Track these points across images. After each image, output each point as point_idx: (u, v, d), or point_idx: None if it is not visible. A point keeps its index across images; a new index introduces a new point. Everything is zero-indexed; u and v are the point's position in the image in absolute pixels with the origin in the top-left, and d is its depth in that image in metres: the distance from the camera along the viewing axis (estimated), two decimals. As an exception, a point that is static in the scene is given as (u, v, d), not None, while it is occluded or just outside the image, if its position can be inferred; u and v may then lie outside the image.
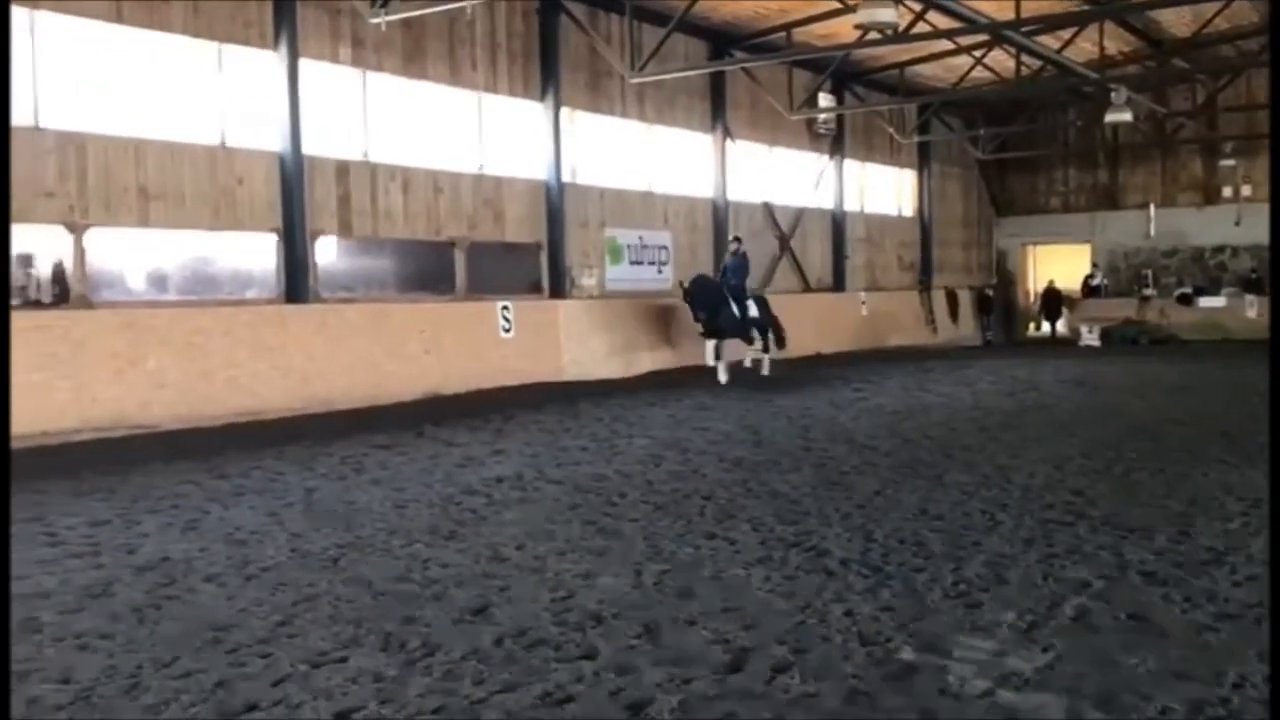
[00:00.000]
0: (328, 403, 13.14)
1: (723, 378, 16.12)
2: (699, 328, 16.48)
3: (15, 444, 10.30)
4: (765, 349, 17.60)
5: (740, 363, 17.33)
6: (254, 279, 14.18)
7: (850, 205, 26.87)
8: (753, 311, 17.19)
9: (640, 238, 20.15)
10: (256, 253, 14.21)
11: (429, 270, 16.53)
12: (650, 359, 18.04)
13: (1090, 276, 30.38)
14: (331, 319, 14.07)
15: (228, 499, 8.10)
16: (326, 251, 15.25)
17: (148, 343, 11.91)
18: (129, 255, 12.98)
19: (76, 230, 12.28)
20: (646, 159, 20.61)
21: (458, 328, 15.52)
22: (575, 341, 16.91)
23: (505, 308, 16.15)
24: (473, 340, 15.63)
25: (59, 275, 12.21)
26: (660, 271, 20.01)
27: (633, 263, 19.91)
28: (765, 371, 17.42)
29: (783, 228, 24.43)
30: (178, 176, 13.21)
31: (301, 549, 6.50)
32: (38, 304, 11.96)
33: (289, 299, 14.27)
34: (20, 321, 11.24)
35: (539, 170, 18.15)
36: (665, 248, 20.62)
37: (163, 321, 12.25)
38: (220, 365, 12.44)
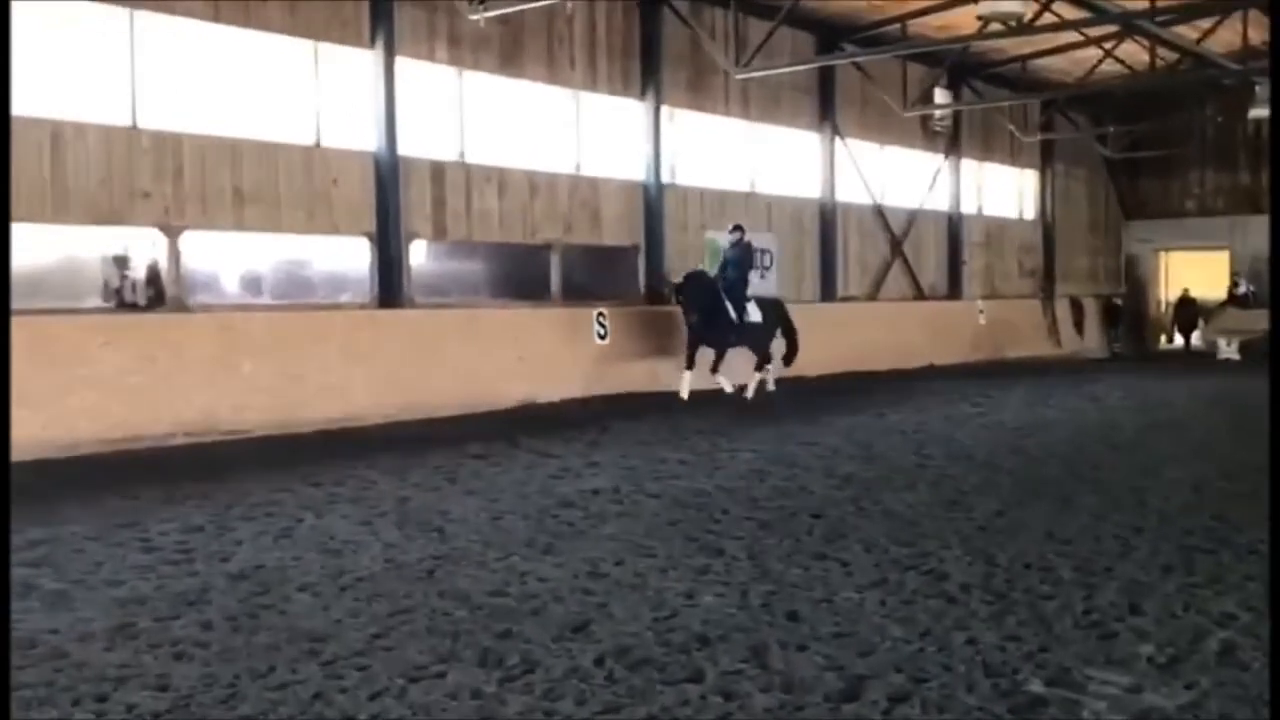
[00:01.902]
0: (420, 410, 13.36)
1: (685, 389, 14.84)
2: (690, 334, 15.20)
3: (110, 447, 10.74)
4: (760, 363, 15.99)
5: (743, 387, 15.72)
6: (348, 283, 14.50)
7: (967, 208, 26.44)
8: (753, 316, 15.59)
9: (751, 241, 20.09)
10: (350, 256, 14.53)
11: (523, 274, 16.72)
12: (752, 368, 17.96)
13: (1234, 284, 29.31)
14: (425, 324, 14.32)
15: (321, 507, 8.28)
16: (420, 255, 15.53)
17: (242, 347, 12.25)
18: (224, 258, 13.38)
19: (172, 233, 12.71)
20: (750, 159, 20.56)
21: (552, 334, 15.66)
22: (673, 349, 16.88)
23: (601, 314, 16.23)
24: (569, 347, 15.75)
25: (154, 278, 12.63)
26: (764, 276, 19.91)
27: (754, 264, 19.86)
28: (749, 395, 15.59)
29: (895, 231, 24.14)
30: (272, 178, 13.58)
31: (396, 559, 6.62)
32: (133, 306, 12.39)
33: (382, 304, 14.55)
34: (116, 324, 11.68)
35: (637, 170, 18.22)
36: (769, 251, 20.51)
37: (257, 326, 12.60)
38: (313, 370, 12.73)
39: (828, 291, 22.17)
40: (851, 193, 22.83)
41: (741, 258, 15.87)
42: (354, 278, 14.61)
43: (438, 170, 15.51)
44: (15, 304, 10.19)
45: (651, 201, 18.28)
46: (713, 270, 16.39)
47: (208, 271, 13.17)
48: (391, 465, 10.25)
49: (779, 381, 16.37)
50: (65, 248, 11.99)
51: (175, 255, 12.75)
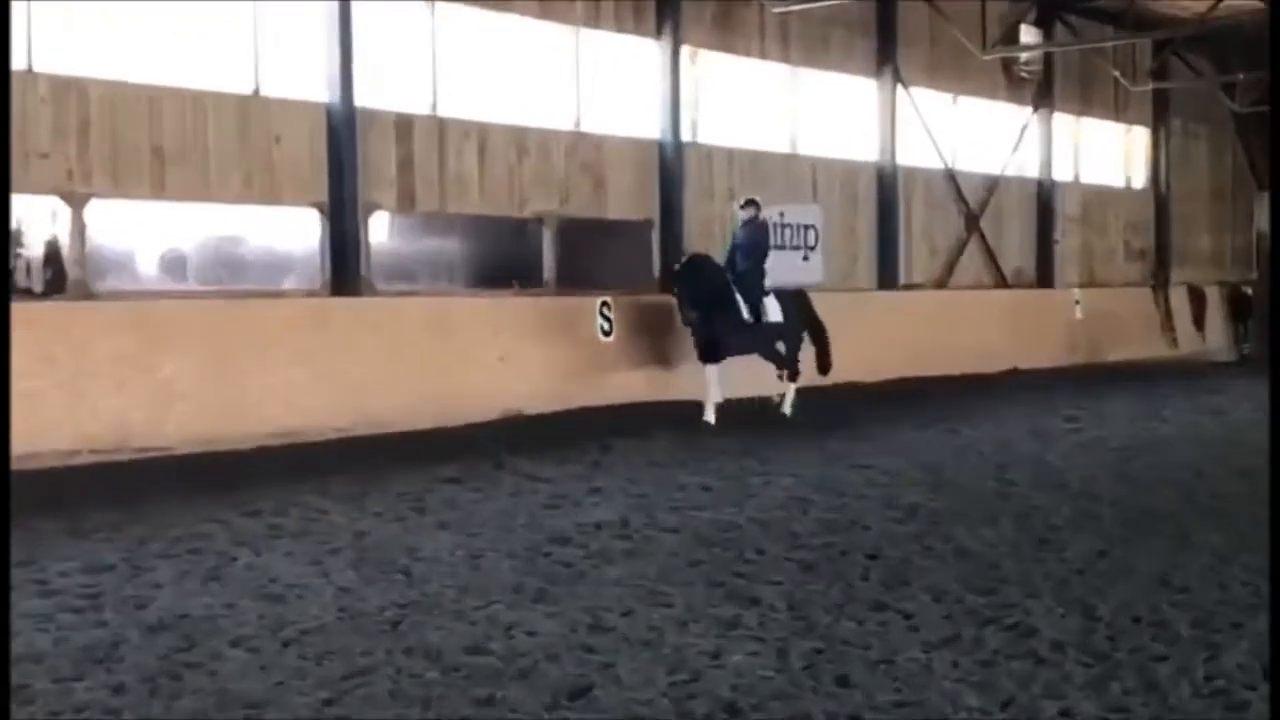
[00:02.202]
0: (382, 423, 13.36)
1: (710, 415, 14.44)
2: (693, 336, 14.86)
3: (-1, 467, 10.78)
4: (791, 374, 15.56)
5: (769, 399, 15.57)
6: (293, 264, 14.57)
7: (1061, 173, 26.45)
8: (771, 314, 15.25)
9: (781, 214, 20.02)
10: (296, 231, 14.60)
11: (509, 255, 16.77)
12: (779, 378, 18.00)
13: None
14: (388, 317, 14.34)
15: (260, 542, 8.29)
16: (382, 231, 15.58)
17: (162, 343, 12.25)
18: (140, 233, 13.45)
19: (75, 201, 12.78)
20: (791, 112, 20.59)
21: (545, 330, 15.66)
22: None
23: (605, 304, 16.24)
24: (564, 346, 15.76)
25: (53, 257, 12.72)
26: (806, 258, 19.92)
27: (771, 246, 19.85)
28: (788, 410, 15.35)
29: (970, 202, 24.15)
30: (200, 134, 13.66)
31: (352, 608, 6.63)
32: (28, 293, 12.47)
33: (335, 290, 14.64)
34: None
35: (651, 126, 18.26)
36: (813, 227, 20.50)
37: (181, 317, 12.59)
38: (251, 373, 12.75)
39: (887, 277, 22.21)
40: (917, 154, 22.86)
41: (755, 240, 15.36)
42: (300, 258, 14.67)
43: (404, 125, 15.57)
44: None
45: (668, 165, 18.31)
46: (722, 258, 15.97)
47: (120, 249, 13.25)
48: (346, 490, 10.24)
49: (801, 392, 15.97)
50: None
51: (80, 229, 12.82)
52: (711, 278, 14.77)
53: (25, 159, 12.40)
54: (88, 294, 12.75)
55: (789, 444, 12.99)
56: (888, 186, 22.07)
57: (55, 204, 12.68)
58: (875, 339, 18.51)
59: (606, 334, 16.15)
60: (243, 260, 14.27)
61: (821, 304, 16.93)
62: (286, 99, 14.45)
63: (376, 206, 15.30)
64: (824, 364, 15.97)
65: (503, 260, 16.76)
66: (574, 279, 17.14)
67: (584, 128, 17.53)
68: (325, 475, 10.89)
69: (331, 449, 12.35)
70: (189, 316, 12.66)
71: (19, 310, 11.81)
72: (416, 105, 15.77)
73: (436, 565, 7.61)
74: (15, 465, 10.58)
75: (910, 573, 7.34)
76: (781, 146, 20.43)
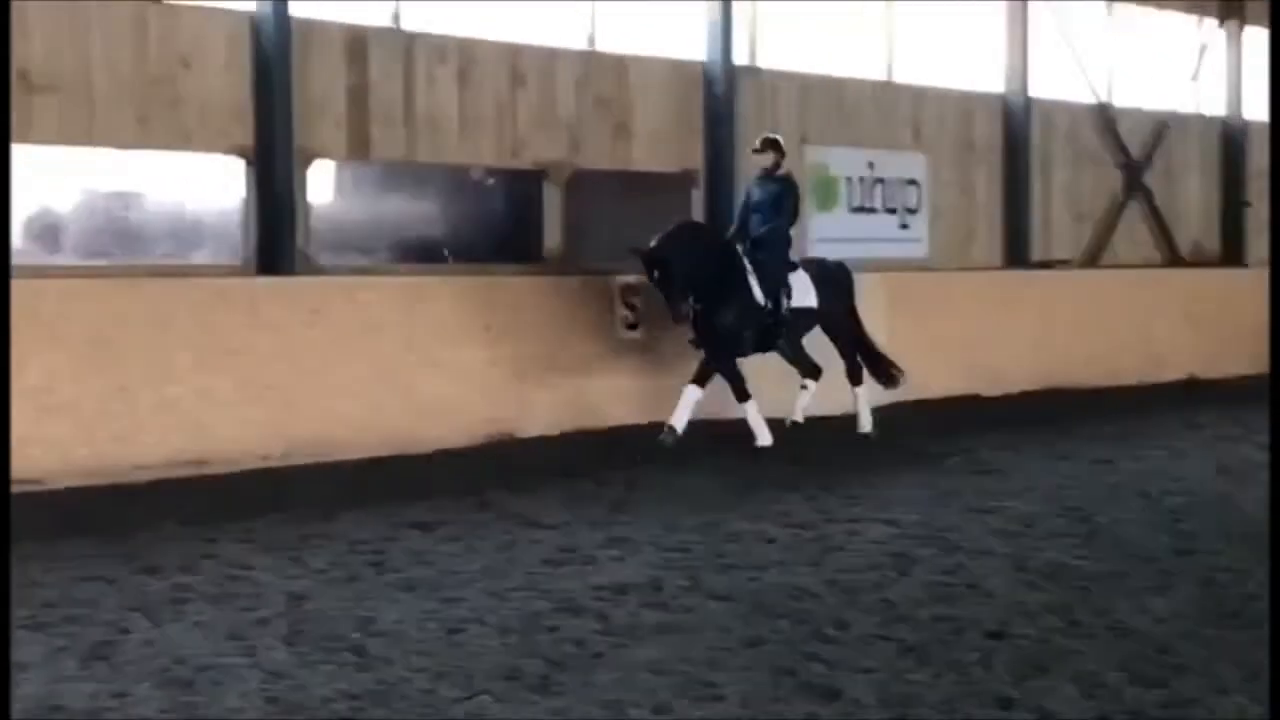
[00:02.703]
0: (323, 446, 13.38)
1: (763, 438, 14.37)
2: (690, 331, 14.49)
3: None
4: (812, 373, 15.33)
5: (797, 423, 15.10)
6: (205, 233, 14.59)
7: (1255, 111, 26.26)
8: (803, 297, 14.97)
9: (871, 164, 20.07)
10: (211, 188, 14.61)
11: (500, 220, 16.75)
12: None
13: None
14: (333, 303, 14.32)
15: (160, 609, 8.30)
16: (326, 187, 15.61)
17: (29, 338, 12.29)
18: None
19: (-87, 145, 12.84)
20: (885, 25, 20.53)
21: (546, 320, 15.63)
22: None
23: (629, 287, 16.22)
24: (572, 344, 15.73)
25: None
26: (905, 225, 19.92)
27: (856, 208, 19.87)
28: (867, 428, 15.48)
29: (1131, 150, 24.03)
30: (81, 54, 13.69)
31: (286, 699, 6.64)
32: None
33: (263, 268, 14.66)
34: None
35: (693, 45, 18.22)
36: (915, 183, 20.49)
37: (53, 302, 12.63)
38: (148, 378, 12.78)
39: (1015, 252, 22.14)
40: (1057, 85, 22.74)
41: (777, 197, 14.94)
42: (216, 225, 14.69)
43: (356, 42, 15.60)
44: None
45: (716, 98, 18.27)
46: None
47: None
48: (278, 537, 10.28)
49: (894, 408, 15.93)
50: None
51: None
52: (712, 251, 14.55)
53: None
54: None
55: (882, 479, 12.99)
56: (1017, 128, 21.96)
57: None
58: (998, 337, 18.46)
59: (631, 327, 16.09)
60: (139, 228, 14.27)
61: (922, 288, 16.93)
62: (198, 5, 14.54)
63: (318, 154, 15.32)
64: (888, 373, 15.87)
65: (490, 227, 16.76)
66: (587, 253, 17.15)
67: (601, 46, 17.49)
68: (249, 518, 10.93)
69: (256, 482, 12.37)
70: (65, 302, 12.67)
71: None
72: (373, 15, 15.80)
73: (400, 642, 7.60)
74: None
75: (1049, 657, 7.29)
76: (872, 73, 20.34)
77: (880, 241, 19.26)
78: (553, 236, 17.17)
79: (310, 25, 15.16)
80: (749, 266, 14.60)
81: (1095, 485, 12.76)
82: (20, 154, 13.37)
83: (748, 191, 15.37)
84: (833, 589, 8.81)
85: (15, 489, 11.72)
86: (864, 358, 15.75)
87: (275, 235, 14.77)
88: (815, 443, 14.64)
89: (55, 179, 13.85)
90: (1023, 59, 22.03)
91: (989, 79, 21.94)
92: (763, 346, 14.84)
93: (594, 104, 17.38)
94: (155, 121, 14.18)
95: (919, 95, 20.82)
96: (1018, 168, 22.04)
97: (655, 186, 18.07)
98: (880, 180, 20.08)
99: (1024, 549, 10.01)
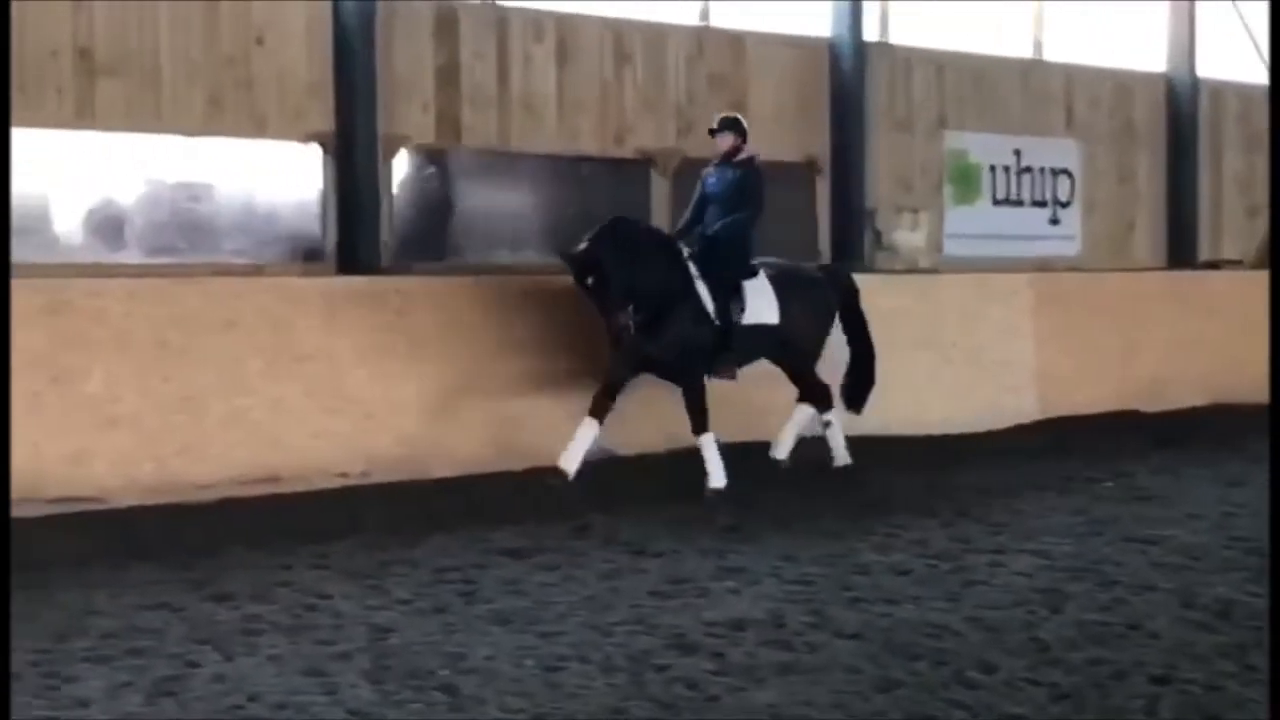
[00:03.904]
0: (411, 465, 13.42)
1: (716, 480, 13.46)
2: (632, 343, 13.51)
3: None
4: (818, 402, 14.68)
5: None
6: (280, 227, 14.69)
7: None
8: (759, 311, 14.00)
9: (1017, 152, 19.94)
10: (286, 178, 14.74)
11: (601, 214, 16.72)
12: (1037, 392, 17.83)
13: None
14: (418, 306, 14.38)
15: (231, 640, 8.37)
16: (411, 177, 15.70)
17: (90, 343, 12.43)
18: (58, 179, 13.75)
19: (-35, 131, 13.05)
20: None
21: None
22: (884, 357, 16.72)
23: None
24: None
25: (-72, 212, 12.98)
26: (1056, 220, 19.79)
27: (1000, 200, 19.76)
28: (840, 461, 14.60)
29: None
30: (148, 34, 13.85)
31: (369, 742, 6.69)
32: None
33: (342, 266, 14.74)
34: None
35: (817, 19, 18.18)
36: (1067, 172, 20.34)
37: (116, 302, 12.74)
38: (218, 387, 12.88)
39: (1181, 250, 21.93)
40: (1229, 64, 22.49)
41: (738, 189, 14.07)
42: (291, 220, 14.81)
43: (446, 18, 15.70)
44: None
45: (845, 77, 18.24)
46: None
47: (28, 203, 13.54)
48: (356, 564, 10.35)
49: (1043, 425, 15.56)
50: None
51: (-32, 172, 13.10)
52: (653, 252, 13.60)
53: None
54: (-19, 267, 12.98)
55: (1027, 505, 12.91)
56: (1182, 111, 21.76)
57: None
58: (1160, 346, 18.27)
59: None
60: (207, 222, 14.39)
61: (1074, 290, 16.76)
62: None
63: (403, 140, 15.41)
64: (859, 391, 14.98)
65: (590, 221, 16.71)
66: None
67: (715, 20, 17.49)
68: (324, 541, 11.03)
69: (333, 502, 12.44)
70: (129, 302, 12.77)
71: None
72: (464, -13, 15.93)
73: (493, 680, 7.61)
74: None
75: (1221, 705, 7.21)
76: (1018, 50, 20.23)
77: (1027, 239, 19.12)
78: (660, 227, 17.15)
79: (395, 2, 15.23)
80: (695, 271, 13.74)
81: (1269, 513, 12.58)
82: (82, 141, 13.59)
83: (702, 180, 14.42)
84: (975, 627, 8.74)
85: (75, 507, 11.94)
86: (854, 375, 14.91)
87: (355, 230, 14.86)
88: (949, 463, 14.56)
89: (119, 169, 13.93)
90: (1189, 34, 21.83)
91: (1150, 57, 21.72)
92: (724, 371, 13.84)
93: (707, 85, 17.40)
94: (226, 105, 14.33)
95: (1071, 75, 20.66)
96: (1183, 156, 21.83)
97: (774, 176, 17.85)
98: (1027, 169, 19.94)
99: (1190, 584, 9.85)
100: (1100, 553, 10.88)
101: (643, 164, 17.03)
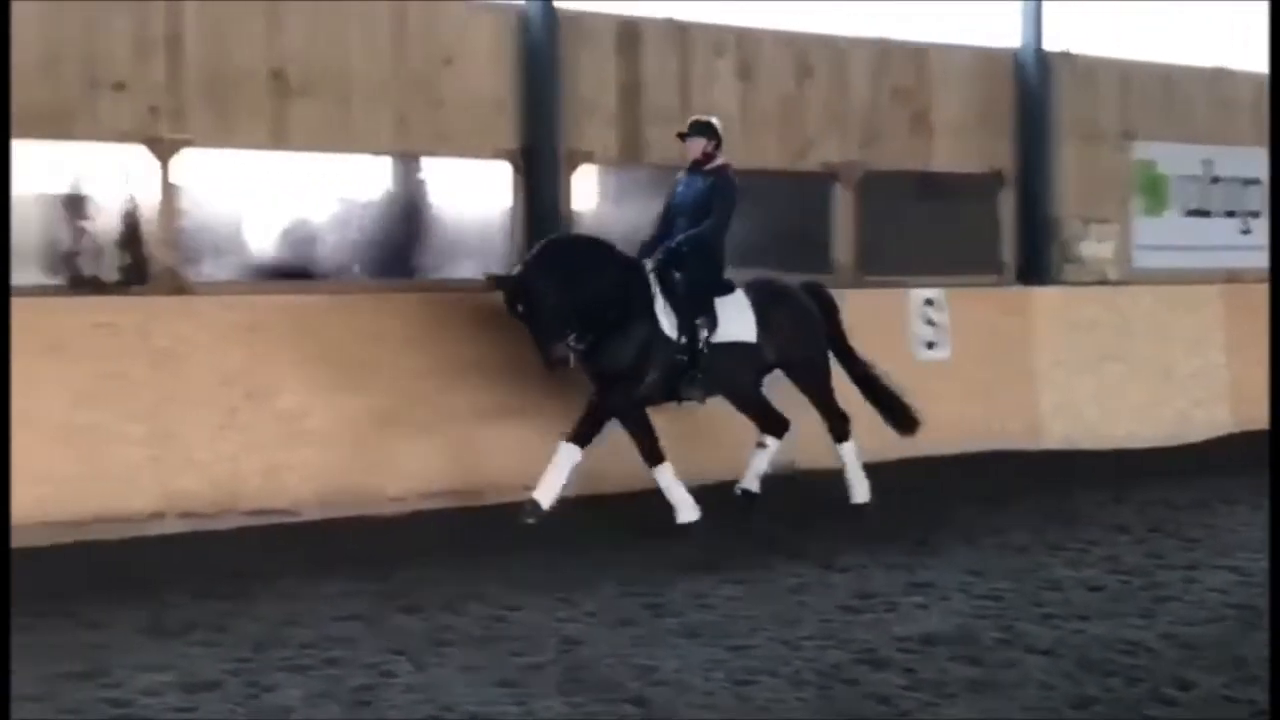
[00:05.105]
0: (596, 479, 13.40)
1: (685, 514, 12.41)
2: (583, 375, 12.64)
3: (50, 536, 11.27)
4: (774, 427, 13.53)
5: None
6: (468, 243, 14.75)
7: None
8: (733, 328, 12.91)
9: (1206, 161, 19.61)
10: (474, 194, 14.91)
11: (784, 226, 16.69)
12: (1230, 405, 17.64)
13: None
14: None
15: (424, 651, 8.47)
16: (590, 191, 15.75)
17: (283, 358, 12.51)
18: (250, 195, 13.98)
19: (161, 150, 13.29)
20: (1216, 7, 20.06)
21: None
22: (1071, 371, 16.60)
23: (931, 302, 16.09)
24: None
25: (130, 233, 13.23)
26: (1247, 230, 19.44)
27: (1190, 211, 19.45)
28: (863, 498, 13.38)
29: None
30: (339, 56, 14.04)
31: (563, 753, 6.70)
32: (94, 284, 13.01)
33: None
34: (70, 312, 12.17)
35: (1002, 30, 18.02)
36: (1258, 181, 19.95)
37: (309, 319, 12.88)
38: (406, 402, 12.91)
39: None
40: None
41: (706, 199, 12.93)
42: (479, 233, 14.89)
43: (628, 35, 15.68)
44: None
45: (1029, 88, 18.02)
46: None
47: (224, 220, 13.79)
48: (544, 577, 10.43)
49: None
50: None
51: (168, 191, 13.34)
52: (599, 273, 12.46)
53: (93, 90, 12.97)
54: (179, 286, 13.23)
55: (1222, 520, 12.76)
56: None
57: (135, 155, 13.22)
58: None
59: (931, 346, 15.96)
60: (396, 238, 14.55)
61: (1267, 302, 16.45)
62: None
63: (587, 157, 15.45)
64: (905, 420, 13.85)
65: (774, 234, 16.69)
66: (879, 263, 17.07)
67: (898, 35, 17.38)
68: (512, 553, 11.16)
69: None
70: (319, 321, 12.95)
71: (87, 307, 12.29)
72: (646, 6, 15.89)
73: (684, 693, 7.61)
74: (66, 535, 11.18)
75: None
76: (1205, 59, 19.90)
77: (1217, 249, 18.74)
78: (842, 245, 17.06)
79: (579, 18, 15.28)
80: (657, 288, 12.68)
81: None
82: (277, 161, 13.79)
83: (675, 190, 13.29)
84: (1170, 644, 8.62)
85: (269, 519, 12.13)
86: (874, 400, 13.76)
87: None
88: (1139, 478, 14.38)
89: (313, 187, 14.11)
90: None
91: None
92: (670, 392, 12.77)
93: (891, 98, 17.22)
94: (415, 124, 14.40)
95: (1260, 84, 20.23)
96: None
97: (958, 188, 17.86)
98: (1216, 179, 19.55)
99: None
100: (1299, 568, 10.68)
101: (826, 178, 16.93)
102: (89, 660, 8.28)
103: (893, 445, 14.68)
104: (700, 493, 12.46)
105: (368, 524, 12.12)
